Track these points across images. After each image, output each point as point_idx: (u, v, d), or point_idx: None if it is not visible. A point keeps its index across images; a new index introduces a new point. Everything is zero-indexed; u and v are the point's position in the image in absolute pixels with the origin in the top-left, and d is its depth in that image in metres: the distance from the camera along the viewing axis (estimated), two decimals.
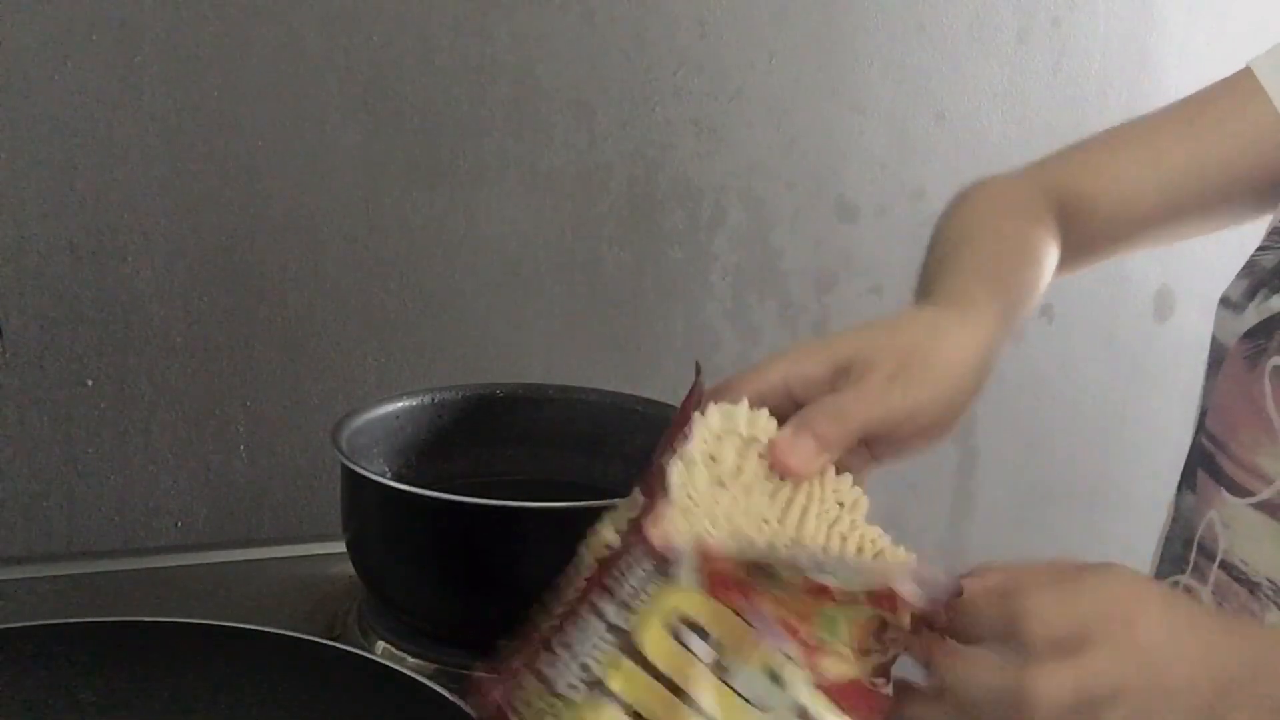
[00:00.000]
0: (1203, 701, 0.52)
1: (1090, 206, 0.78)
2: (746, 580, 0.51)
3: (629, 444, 0.88)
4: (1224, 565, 0.70)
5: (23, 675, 0.68)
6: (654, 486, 0.55)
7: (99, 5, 0.98)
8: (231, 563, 0.96)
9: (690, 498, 0.54)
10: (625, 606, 0.52)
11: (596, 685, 0.51)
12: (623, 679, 0.51)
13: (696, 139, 1.21)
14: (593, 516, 0.77)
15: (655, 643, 0.51)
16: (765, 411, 0.59)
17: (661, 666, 0.51)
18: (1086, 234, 0.78)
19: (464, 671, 0.79)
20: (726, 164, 1.22)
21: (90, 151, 1.00)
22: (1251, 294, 0.69)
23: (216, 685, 0.69)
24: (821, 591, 0.51)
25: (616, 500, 0.76)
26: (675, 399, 0.66)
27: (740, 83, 1.21)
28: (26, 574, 0.91)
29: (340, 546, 0.85)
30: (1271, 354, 0.67)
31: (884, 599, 0.52)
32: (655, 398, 0.87)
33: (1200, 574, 0.72)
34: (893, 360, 0.61)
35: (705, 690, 0.51)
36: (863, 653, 0.53)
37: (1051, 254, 0.74)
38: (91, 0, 0.98)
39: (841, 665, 0.52)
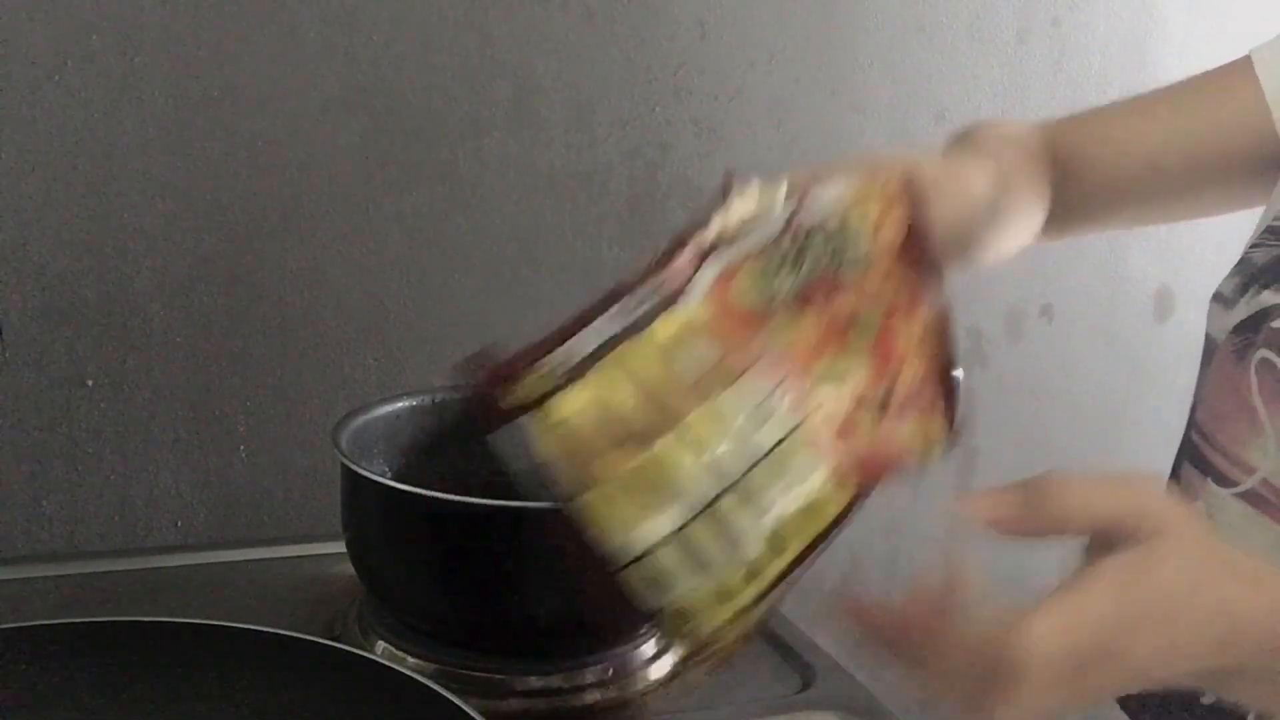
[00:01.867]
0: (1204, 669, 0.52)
1: (1082, 166, 0.80)
2: (751, 318, 0.54)
3: None
4: None
5: (23, 675, 0.68)
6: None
7: (99, 5, 0.98)
8: (231, 563, 0.96)
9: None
10: (640, 318, 0.53)
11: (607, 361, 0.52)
12: (636, 358, 0.52)
13: (696, 139, 1.21)
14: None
15: (643, 361, 0.52)
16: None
17: (646, 380, 0.52)
18: (1078, 194, 0.81)
19: (464, 671, 0.79)
20: (726, 164, 1.22)
21: (90, 151, 1.00)
22: (1243, 289, 0.71)
23: (216, 685, 0.69)
24: (838, 330, 0.54)
25: None
26: None
27: (740, 83, 1.21)
28: (26, 574, 0.91)
29: (340, 546, 0.85)
30: (1259, 347, 0.68)
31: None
32: None
33: None
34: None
35: (685, 405, 0.52)
36: (855, 405, 0.54)
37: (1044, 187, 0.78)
38: (91, 0, 0.98)
39: (842, 406, 0.54)
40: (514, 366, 0.53)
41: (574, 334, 0.53)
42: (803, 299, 0.55)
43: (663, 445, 0.51)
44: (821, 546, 0.57)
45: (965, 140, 0.78)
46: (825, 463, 0.55)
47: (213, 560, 0.96)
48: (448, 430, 0.88)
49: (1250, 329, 0.69)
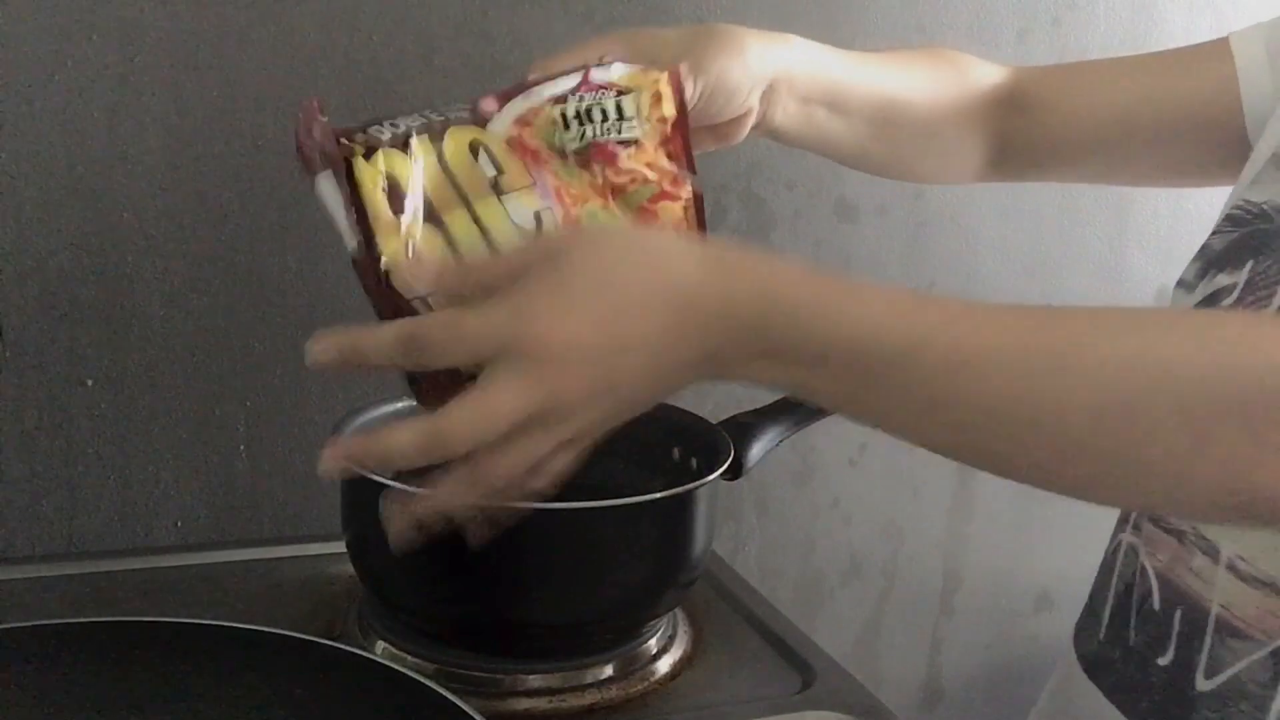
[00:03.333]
0: (688, 369, 0.56)
1: (1051, 109, 0.84)
2: (539, 154, 0.65)
3: (629, 443, 0.88)
4: (1152, 518, 0.75)
5: (23, 675, 0.68)
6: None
7: (99, 5, 0.98)
8: (231, 563, 0.96)
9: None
10: (445, 121, 0.64)
11: (406, 146, 0.62)
12: (421, 160, 0.62)
13: None
14: (593, 516, 0.77)
15: (454, 151, 0.63)
16: None
17: (453, 167, 0.62)
18: (1042, 136, 0.84)
19: (464, 671, 0.79)
20: (726, 164, 1.22)
21: (90, 151, 1.00)
22: (1202, 274, 0.74)
23: (216, 685, 0.69)
24: (607, 191, 0.66)
25: (617, 501, 0.77)
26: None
27: None
28: (26, 574, 0.91)
29: (340, 546, 0.85)
30: None
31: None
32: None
33: (1136, 529, 0.76)
34: (692, 52, 0.72)
35: (482, 198, 0.63)
36: None
37: (917, 74, 0.84)
38: (91, 0, 0.98)
39: None
40: (351, 128, 0.62)
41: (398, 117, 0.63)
42: (583, 160, 0.66)
43: (451, 220, 0.62)
44: None
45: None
46: None
47: (213, 560, 0.96)
48: None
49: (1206, 308, 0.72)
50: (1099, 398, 0.52)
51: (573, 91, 0.67)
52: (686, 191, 0.70)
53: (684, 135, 0.70)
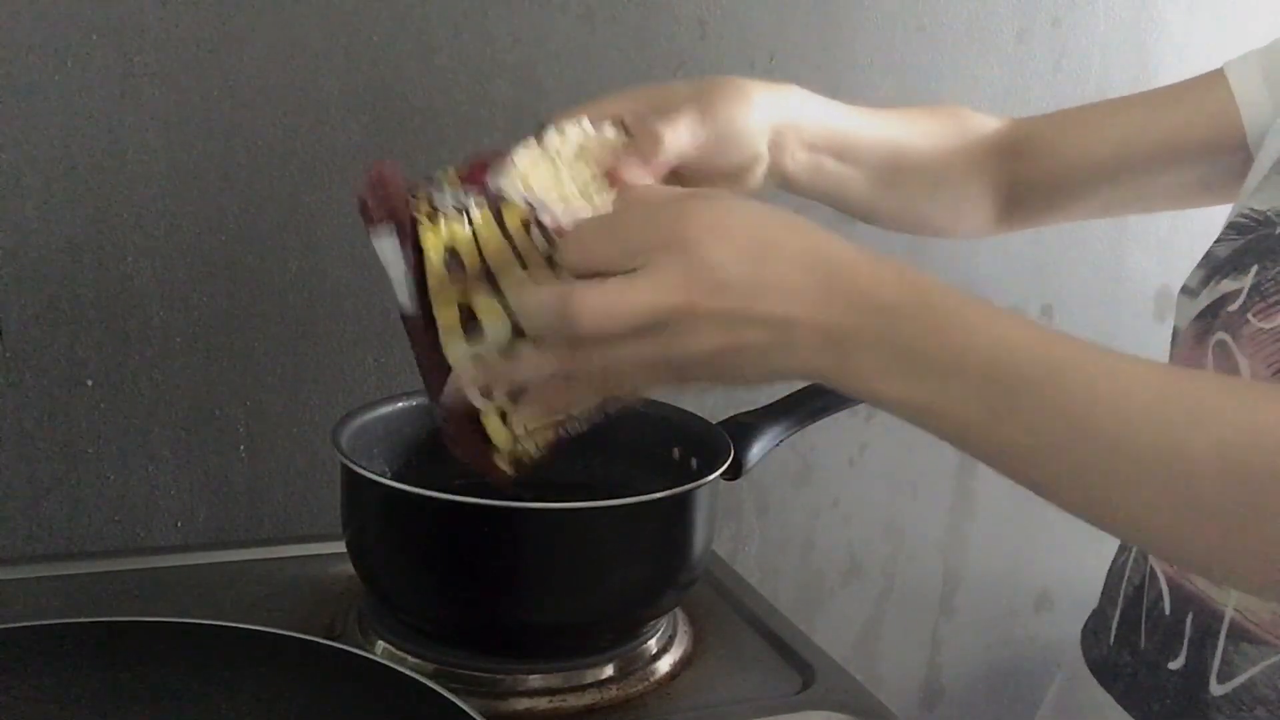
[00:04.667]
0: (818, 338, 0.54)
1: (1052, 151, 0.86)
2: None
3: (630, 444, 0.88)
4: None
5: (23, 675, 0.68)
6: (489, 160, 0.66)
7: (99, 5, 0.98)
8: (231, 563, 0.96)
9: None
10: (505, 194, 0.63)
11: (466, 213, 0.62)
12: (483, 230, 0.62)
13: None
14: (593, 516, 0.77)
15: (513, 222, 0.62)
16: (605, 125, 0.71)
17: (513, 234, 0.62)
18: (1046, 178, 0.86)
19: (464, 671, 0.79)
20: None
21: (90, 151, 1.00)
22: (1206, 281, 0.74)
23: (217, 685, 0.69)
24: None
25: (617, 501, 0.77)
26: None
27: None
28: (26, 574, 0.91)
29: (340, 546, 0.85)
30: (1216, 330, 0.72)
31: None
32: (656, 397, 0.87)
33: None
34: (700, 100, 0.73)
35: (537, 267, 0.62)
36: None
37: (919, 126, 0.86)
38: (91, 0, 0.98)
39: None
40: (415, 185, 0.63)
41: (468, 181, 0.63)
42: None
43: (506, 282, 0.62)
44: None
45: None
46: None
47: (213, 560, 0.96)
48: None
49: (1209, 315, 0.73)
50: (1227, 466, 0.50)
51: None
52: None
53: None
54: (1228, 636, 0.69)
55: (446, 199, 0.62)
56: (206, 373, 1.07)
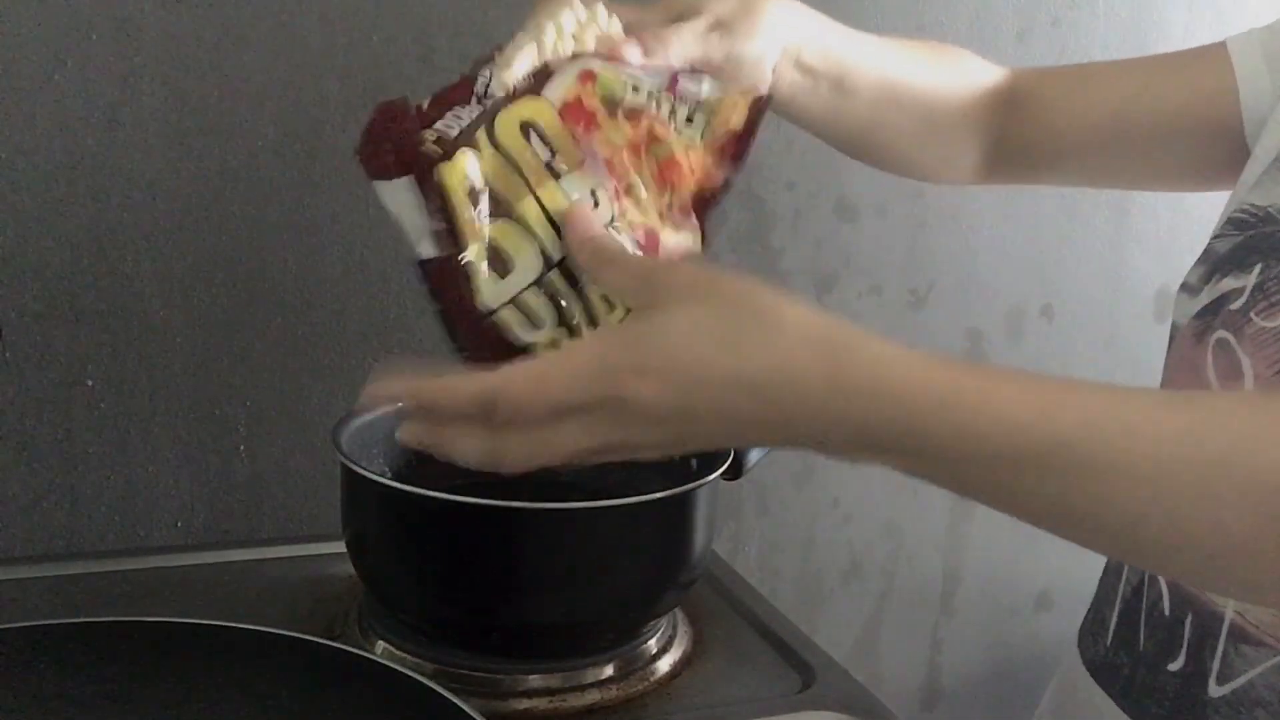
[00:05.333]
0: (767, 440, 0.57)
1: (1048, 109, 0.84)
2: (594, 118, 0.63)
3: None
4: None
5: (23, 675, 0.68)
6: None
7: (99, 5, 0.98)
8: (231, 563, 0.96)
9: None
10: (497, 101, 0.62)
11: (474, 140, 0.61)
12: (479, 161, 0.60)
13: None
14: (593, 516, 0.77)
15: (509, 136, 0.61)
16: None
17: (513, 153, 0.61)
18: (1041, 136, 0.85)
19: (464, 671, 0.79)
20: None
21: (90, 151, 1.00)
22: (1207, 278, 0.74)
23: (217, 685, 0.69)
24: (641, 145, 0.65)
25: (617, 501, 0.77)
26: None
27: None
28: (26, 574, 0.91)
29: (340, 546, 0.85)
30: (1216, 329, 0.71)
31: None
32: None
33: None
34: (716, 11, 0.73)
35: (543, 183, 0.61)
36: (658, 214, 0.66)
37: (920, 63, 0.85)
38: (91, 0, 0.98)
39: (640, 215, 0.64)
40: (419, 118, 0.62)
41: (458, 101, 0.63)
42: (633, 115, 0.65)
43: (523, 210, 0.61)
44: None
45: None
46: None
47: (213, 560, 0.96)
48: None
49: (1210, 312, 0.72)
50: (1263, 506, 0.48)
51: (656, 89, 0.66)
52: (715, 180, 0.69)
53: (742, 146, 0.69)
54: (1228, 638, 0.69)
55: (452, 126, 0.60)
56: (206, 373, 1.07)
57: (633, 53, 0.66)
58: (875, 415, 0.51)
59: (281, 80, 1.04)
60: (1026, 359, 1.39)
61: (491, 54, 0.65)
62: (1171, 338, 0.77)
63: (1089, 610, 0.83)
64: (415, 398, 0.58)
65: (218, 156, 1.04)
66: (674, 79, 0.66)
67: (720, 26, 0.73)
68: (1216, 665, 0.69)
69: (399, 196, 0.60)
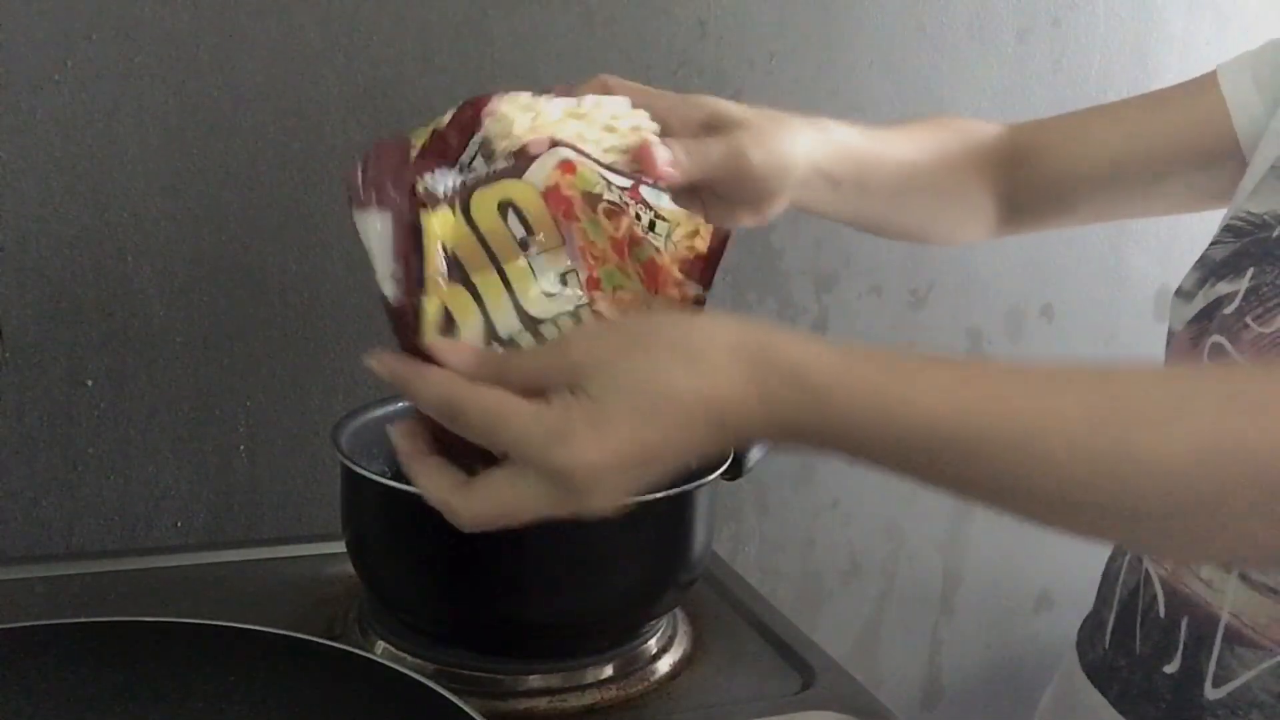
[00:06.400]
0: (725, 447, 0.57)
1: (1048, 158, 0.86)
2: (573, 207, 0.64)
3: None
4: None
5: (23, 675, 0.68)
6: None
7: (99, 5, 0.98)
8: (231, 563, 0.96)
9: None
10: (478, 178, 0.62)
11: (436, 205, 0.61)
12: (450, 224, 0.61)
13: None
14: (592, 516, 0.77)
15: (483, 212, 0.61)
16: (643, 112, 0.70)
17: (484, 230, 0.61)
18: (1042, 184, 0.86)
19: (464, 671, 0.79)
20: None
21: (90, 151, 1.00)
22: (1202, 283, 0.75)
23: (217, 685, 0.69)
24: (625, 244, 0.65)
25: None
26: None
27: (740, 83, 1.21)
28: (26, 574, 0.91)
29: (340, 546, 0.85)
30: (1212, 333, 0.72)
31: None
32: None
33: None
34: (754, 130, 0.72)
35: (511, 260, 0.62)
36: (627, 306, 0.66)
37: (926, 143, 0.85)
38: (91, 0, 0.98)
39: (611, 309, 0.65)
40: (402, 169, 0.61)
41: (445, 160, 0.63)
42: (612, 214, 0.65)
43: (481, 282, 0.61)
44: None
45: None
46: None
47: (213, 560, 0.96)
48: None
49: (1205, 317, 0.73)
50: (1171, 484, 0.51)
51: (621, 188, 0.66)
52: (689, 293, 0.69)
53: (708, 269, 0.70)
54: (1223, 640, 0.69)
55: (437, 184, 0.61)
56: (206, 373, 1.07)
57: (654, 164, 0.66)
58: (806, 418, 0.54)
59: (281, 80, 1.04)
60: (1026, 359, 1.39)
61: (481, 115, 0.65)
62: (1168, 343, 0.78)
63: (1088, 613, 0.83)
64: (392, 373, 0.59)
65: (218, 156, 1.04)
66: (637, 184, 0.67)
67: (750, 140, 0.72)
68: (1212, 667, 0.69)
69: (377, 230, 0.60)
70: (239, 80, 1.03)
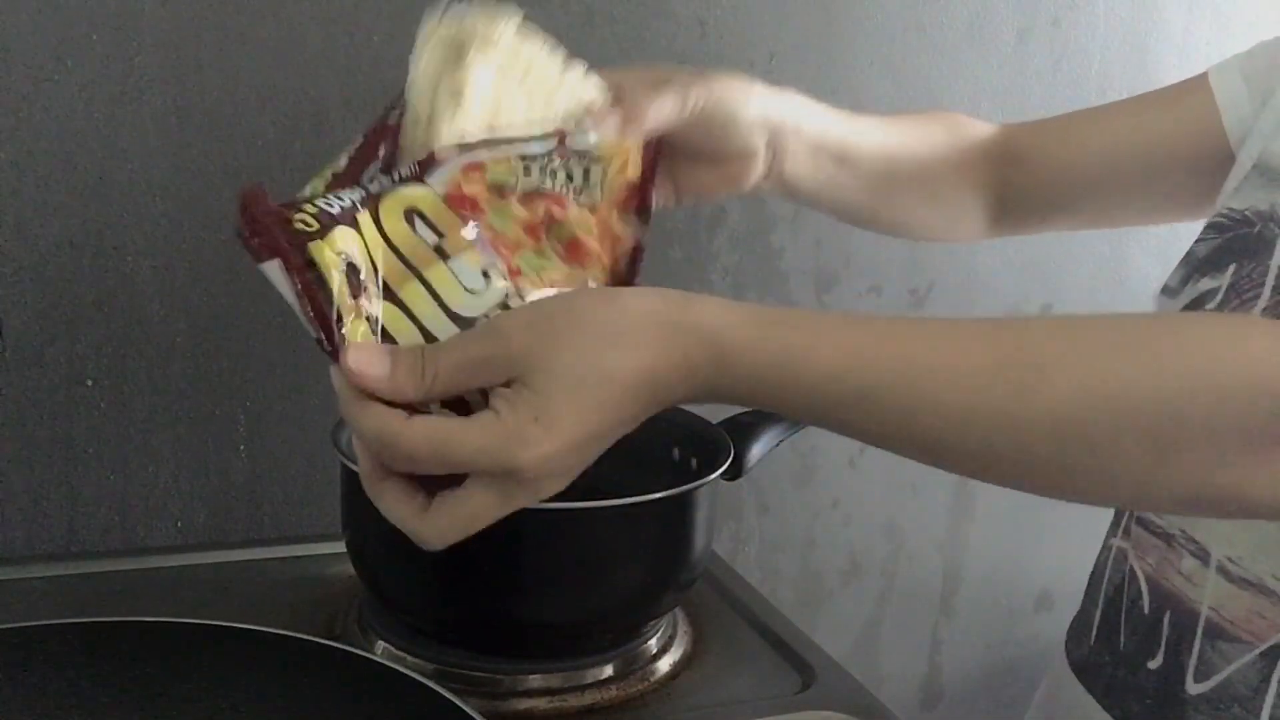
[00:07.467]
0: (659, 410, 0.58)
1: (1041, 162, 0.87)
2: (477, 203, 0.64)
3: (629, 443, 0.88)
4: (1140, 521, 0.76)
5: (23, 675, 0.68)
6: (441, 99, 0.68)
7: (99, 5, 0.98)
8: (231, 563, 0.96)
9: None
10: (382, 187, 0.63)
11: (355, 221, 0.59)
12: (359, 242, 0.59)
13: None
14: (593, 516, 0.77)
15: (391, 223, 0.61)
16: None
17: (396, 242, 0.60)
18: (1035, 188, 0.87)
19: (464, 671, 0.79)
20: None
21: (90, 151, 1.00)
22: (1186, 280, 0.75)
23: (216, 685, 0.69)
24: (540, 227, 0.66)
25: (617, 502, 0.77)
26: None
27: None
28: (26, 574, 0.91)
29: (340, 546, 0.85)
30: None
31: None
32: None
33: (1126, 533, 0.78)
34: (696, 80, 0.74)
35: (430, 266, 0.61)
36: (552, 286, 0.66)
37: (911, 131, 0.87)
38: (91, 0, 0.98)
39: (539, 293, 0.64)
40: (298, 202, 0.59)
41: (344, 185, 0.63)
42: (528, 199, 0.66)
43: (407, 294, 0.60)
44: None
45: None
46: None
47: (213, 560, 0.96)
48: None
49: (1161, 313, 0.74)
50: (1061, 429, 0.54)
51: (546, 154, 0.67)
52: (627, 244, 0.70)
53: (644, 196, 0.71)
54: (1204, 635, 0.69)
55: (332, 205, 0.59)
56: (206, 373, 1.07)
57: (609, 126, 0.68)
58: (723, 379, 0.57)
59: (281, 80, 1.04)
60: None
61: (394, 125, 0.66)
62: None
63: (1078, 611, 0.84)
64: (340, 390, 0.60)
65: (218, 156, 1.04)
66: (561, 138, 0.68)
67: (700, 90, 0.74)
68: (1193, 663, 0.70)
69: (279, 278, 0.57)
70: (239, 80, 1.03)
